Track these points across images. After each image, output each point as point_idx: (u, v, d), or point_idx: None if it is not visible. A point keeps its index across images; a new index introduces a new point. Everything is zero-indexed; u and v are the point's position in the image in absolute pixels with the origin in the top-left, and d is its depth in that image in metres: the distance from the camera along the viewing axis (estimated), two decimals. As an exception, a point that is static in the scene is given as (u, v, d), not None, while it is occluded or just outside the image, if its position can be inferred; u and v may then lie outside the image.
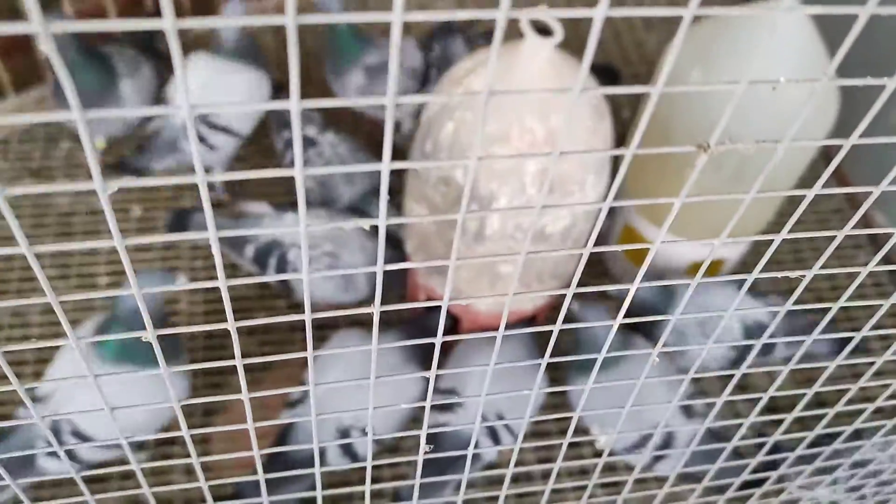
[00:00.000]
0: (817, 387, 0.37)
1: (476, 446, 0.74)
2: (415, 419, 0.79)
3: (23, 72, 1.00)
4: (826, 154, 1.14)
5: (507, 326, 0.86)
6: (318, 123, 0.94)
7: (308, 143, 0.91)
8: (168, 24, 0.15)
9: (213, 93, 0.89)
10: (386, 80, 0.98)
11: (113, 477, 0.76)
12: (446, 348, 0.88)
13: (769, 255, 0.27)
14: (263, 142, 1.04)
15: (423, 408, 0.76)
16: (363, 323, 0.85)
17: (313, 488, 0.35)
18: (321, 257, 0.78)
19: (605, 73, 1.09)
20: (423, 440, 0.28)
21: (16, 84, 1.00)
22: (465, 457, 0.74)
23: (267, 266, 0.81)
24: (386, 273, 0.96)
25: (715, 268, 0.88)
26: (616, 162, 0.92)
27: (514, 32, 0.66)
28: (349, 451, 0.73)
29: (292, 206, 0.84)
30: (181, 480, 0.77)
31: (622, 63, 1.22)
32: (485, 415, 0.74)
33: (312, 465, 0.70)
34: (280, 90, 0.97)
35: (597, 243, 0.26)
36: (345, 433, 0.70)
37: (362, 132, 1.07)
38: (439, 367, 0.87)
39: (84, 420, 0.66)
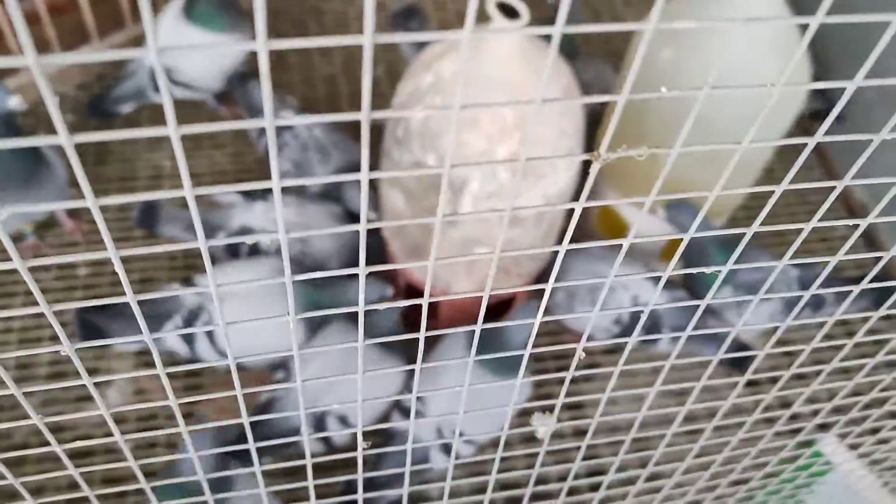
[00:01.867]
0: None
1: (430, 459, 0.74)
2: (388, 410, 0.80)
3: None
4: (803, 128, 1.14)
5: (487, 309, 0.86)
6: (294, 107, 0.94)
7: (284, 126, 0.91)
8: (63, 139, 0.15)
9: (178, 51, 0.91)
10: None
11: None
12: (427, 341, 0.88)
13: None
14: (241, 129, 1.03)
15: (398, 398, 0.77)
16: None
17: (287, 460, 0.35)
18: (292, 244, 0.79)
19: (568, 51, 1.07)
20: (359, 436, 0.28)
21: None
22: (416, 461, 0.74)
23: (239, 254, 0.81)
24: (367, 259, 0.96)
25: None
26: (589, 143, 0.92)
27: (482, 16, 0.66)
28: (324, 438, 0.74)
29: (262, 194, 0.84)
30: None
31: (602, 42, 1.21)
32: (441, 426, 0.74)
33: (289, 442, 0.72)
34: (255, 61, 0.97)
35: (576, 222, 0.26)
36: (320, 418, 0.71)
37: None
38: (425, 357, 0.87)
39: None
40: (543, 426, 0.29)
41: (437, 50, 0.72)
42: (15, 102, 0.72)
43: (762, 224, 0.25)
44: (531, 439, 0.83)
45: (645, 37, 0.17)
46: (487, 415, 0.69)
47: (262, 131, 0.92)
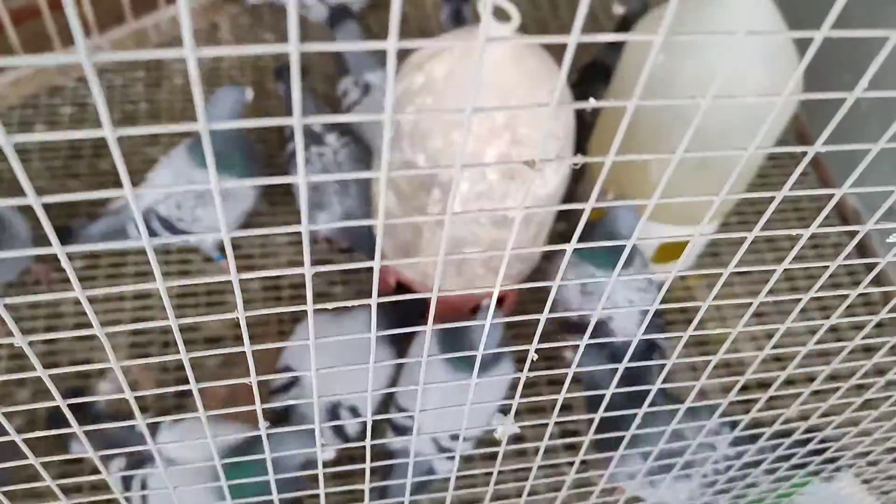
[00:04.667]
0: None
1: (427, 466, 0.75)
2: (384, 402, 0.81)
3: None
4: (797, 131, 1.14)
5: (475, 308, 0.87)
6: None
7: (315, 139, 0.90)
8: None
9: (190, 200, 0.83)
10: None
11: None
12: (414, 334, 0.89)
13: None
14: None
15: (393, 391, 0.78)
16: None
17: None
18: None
19: (594, 69, 1.05)
20: (318, 437, 0.29)
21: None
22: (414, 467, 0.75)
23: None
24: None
25: (681, 248, 0.89)
26: (578, 145, 0.92)
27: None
28: (340, 431, 0.76)
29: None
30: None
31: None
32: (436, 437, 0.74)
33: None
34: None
35: (568, 224, 0.26)
36: (334, 410, 0.75)
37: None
38: (406, 354, 0.88)
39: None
40: (502, 426, 0.30)
41: (429, 51, 0.72)
42: None
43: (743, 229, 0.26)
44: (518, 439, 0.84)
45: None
46: (462, 415, 0.70)
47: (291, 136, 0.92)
